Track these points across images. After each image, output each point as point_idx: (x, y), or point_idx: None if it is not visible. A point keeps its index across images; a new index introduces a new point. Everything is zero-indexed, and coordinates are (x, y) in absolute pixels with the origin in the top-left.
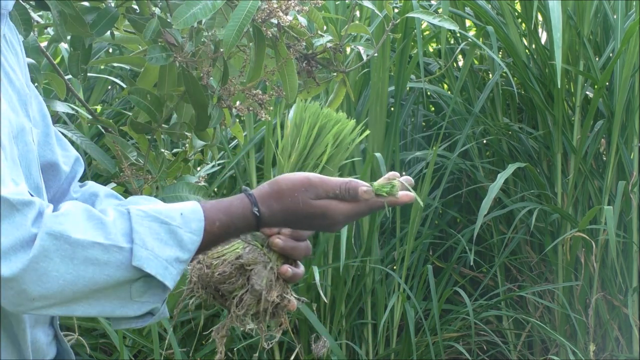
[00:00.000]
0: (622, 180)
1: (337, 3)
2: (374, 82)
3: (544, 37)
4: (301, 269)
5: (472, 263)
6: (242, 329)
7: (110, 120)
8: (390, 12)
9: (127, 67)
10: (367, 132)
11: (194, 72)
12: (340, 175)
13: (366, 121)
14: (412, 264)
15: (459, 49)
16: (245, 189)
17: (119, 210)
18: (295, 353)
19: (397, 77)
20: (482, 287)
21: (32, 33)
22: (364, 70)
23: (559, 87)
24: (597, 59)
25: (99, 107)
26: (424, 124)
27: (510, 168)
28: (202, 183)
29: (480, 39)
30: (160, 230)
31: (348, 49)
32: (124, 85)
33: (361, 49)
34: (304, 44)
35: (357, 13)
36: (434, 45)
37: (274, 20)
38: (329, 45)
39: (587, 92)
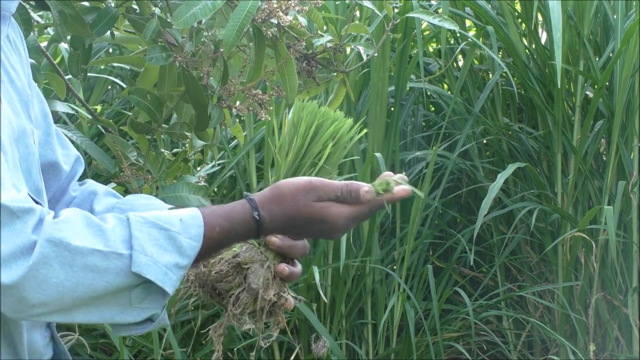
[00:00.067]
0: (622, 180)
1: (337, 3)
2: (374, 82)
3: (544, 37)
4: (298, 267)
5: (472, 263)
6: (240, 328)
7: (110, 120)
8: (390, 12)
9: (127, 67)
10: (365, 130)
11: (194, 72)
12: (340, 174)
13: (365, 120)
14: (412, 264)
15: (459, 49)
16: (247, 194)
17: (118, 217)
18: (295, 353)
19: (397, 77)
20: (482, 287)
21: (32, 33)
22: (364, 70)
23: (559, 87)
24: (597, 59)
25: (99, 107)
26: (424, 124)
27: (510, 168)
28: (202, 183)
29: (480, 39)
30: (159, 236)
31: (348, 49)
32: (124, 85)
33: (361, 49)
34: (304, 44)
35: (357, 13)
36: (434, 45)
37: (274, 20)
38: (329, 45)
39: (587, 92)
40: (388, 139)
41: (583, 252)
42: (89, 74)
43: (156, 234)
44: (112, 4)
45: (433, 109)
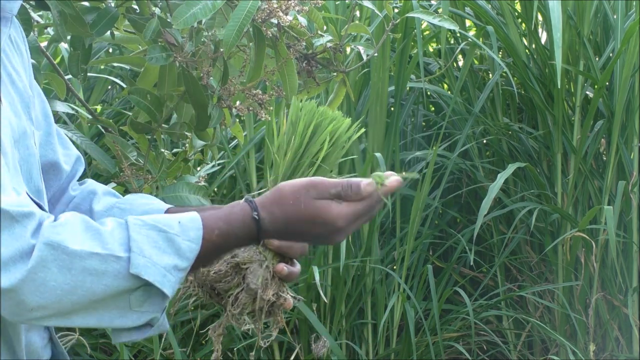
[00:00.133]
0: (622, 180)
1: (337, 3)
2: (374, 82)
3: (544, 37)
4: (297, 267)
5: (472, 263)
6: (239, 328)
7: (110, 120)
8: (390, 12)
9: (127, 67)
10: (363, 130)
11: (194, 72)
12: (340, 174)
13: (363, 120)
14: (412, 264)
15: (459, 49)
16: (247, 197)
17: (117, 221)
18: (295, 353)
19: (397, 77)
20: (482, 287)
21: (32, 33)
22: (364, 70)
23: (559, 87)
24: (597, 59)
25: (99, 107)
26: (424, 124)
27: (510, 168)
28: (202, 183)
29: (480, 39)
30: (158, 238)
31: (348, 49)
32: (124, 85)
33: (361, 49)
34: (304, 44)
35: (357, 13)
36: (434, 45)
37: (274, 20)
38: (329, 45)
39: (587, 92)
40: (388, 139)
41: (583, 252)
42: (89, 74)
43: (155, 236)
44: (112, 4)
45: (433, 109)
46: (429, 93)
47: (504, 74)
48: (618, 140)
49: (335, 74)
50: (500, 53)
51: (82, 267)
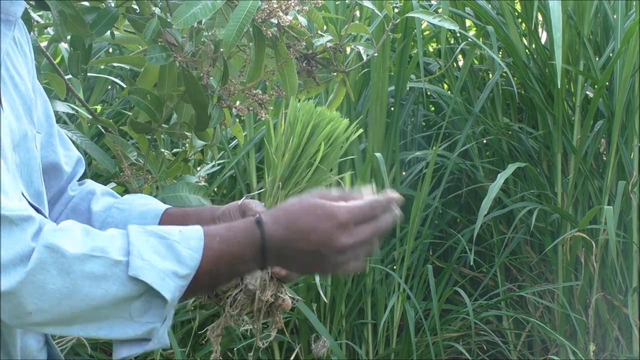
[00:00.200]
0: (622, 180)
1: (337, 3)
2: (374, 82)
3: (544, 37)
4: None
5: (472, 263)
6: (238, 329)
7: (110, 120)
8: (390, 12)
9: (127, 67)
10: (361, 130)
11: (194, 72)
12: (339, 174)
13: (365, 120)
14: (412, 264)
15: (459, 49)
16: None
17: (118, 230)
18: (295, 353)
19: (397, 77)
20: (482, 287)
21: (32, 33)
22: (364, 70)
23: (559, 87)
24: (597, 59)
25: (99, 107)
26: (424, 124)
27: (510, 168)
28: (202, 183)
29: (480, 39)
30: (158, 244)
31: (348, 49)
32: (124, 85)
33: (361, 49)
34: (304, 44)
35: (357, 13)
36: (434, 45)
37: (274, 20)
38: (329, 45)
39: (587, 92)
40: (388, 139)
41: (583, 252)
42: (89, 74)
43: (155, 241)
44: (112, 4)
45: (433, 109)
46: (429, 93)
47: (504, 74)
48: (618, 140)
49: (335, 74)
50: (500, 53)
51: (81, 271)
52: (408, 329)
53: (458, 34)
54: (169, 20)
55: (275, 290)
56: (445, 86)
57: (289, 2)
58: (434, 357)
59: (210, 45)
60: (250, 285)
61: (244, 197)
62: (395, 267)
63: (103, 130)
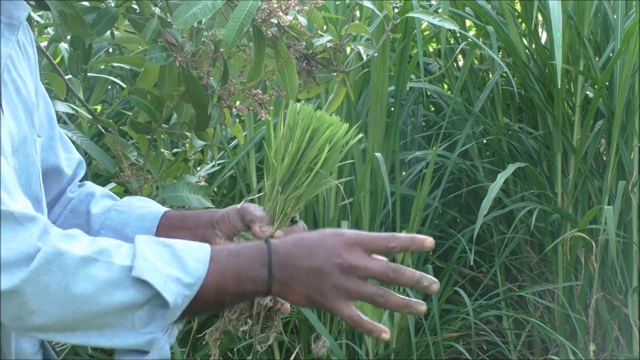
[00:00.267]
0: (622, 180)
1: (337, 3)
2: (374, 82)
3: (544, 37)
4: None
5: (472, 263)
6: (236, 332)
7: (110, 120)
8: (390, 12)
9: (127, 67)
10: (360, 135)
11: (194, 72)
12: (339, 175)
13: (365, 120)
14: (412, 264)
15: (459, 49)
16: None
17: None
18: (295, 353)
19: (397, 77)
20: (482, 287)
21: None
22: (364, 70)
23: (559, 87)
24: (597, 59)
25: (99, 107)
26: (424, 124)
27: (510, 168)
28: (202, 183)
29: (480, 39)
30: (163, 252)
31: (348, 49)
32: (124, 85)
33: (361, 49)
34: (304, 44)
35: (357, 13)
36: (434, 45)
37: (274, 20)
38: (329, 45)
39: (587, 92)
40: (388, 139)
41: (583, 252)
42: (89, 74)
43: (160, 249)
44: (112, 4)
45: (433, 109)
46: (429, 93)
47: (504, 74)
48: (618, 140)
49: (335, 74)
50: (500, 53)
51: (86, 274)
52: (408, 329)
53: (458, 34)
54: (169, 20)
55: None
56: (445, 86)
57: (289, 2)
58: (434, 357)
59: (210, 45)
60: None
61: (243, 201)
62: None
63: (103, 130)
